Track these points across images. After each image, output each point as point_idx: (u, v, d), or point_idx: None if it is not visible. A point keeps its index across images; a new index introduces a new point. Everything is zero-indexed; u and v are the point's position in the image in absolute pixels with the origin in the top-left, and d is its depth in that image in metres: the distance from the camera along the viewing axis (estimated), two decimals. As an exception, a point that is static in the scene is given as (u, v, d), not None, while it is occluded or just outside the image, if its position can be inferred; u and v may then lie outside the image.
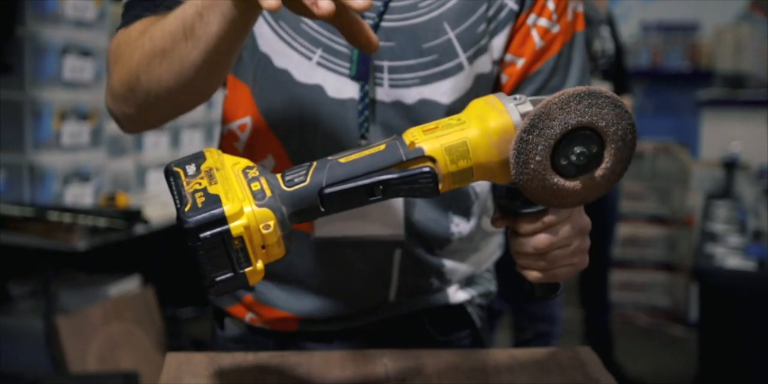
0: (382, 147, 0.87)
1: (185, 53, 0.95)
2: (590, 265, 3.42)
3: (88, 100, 3.16)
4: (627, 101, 3.72)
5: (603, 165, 0.88)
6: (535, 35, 1.17)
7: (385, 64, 1.13)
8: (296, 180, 0.86)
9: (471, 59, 1.14)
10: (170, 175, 0.88)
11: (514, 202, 0.94)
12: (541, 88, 1.19)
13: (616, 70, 3.61)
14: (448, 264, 1.23)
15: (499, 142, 0.86)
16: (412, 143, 0.87)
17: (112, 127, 3.26)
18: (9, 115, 2.98)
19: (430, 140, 0.87)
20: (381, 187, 0.86)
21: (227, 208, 0.80)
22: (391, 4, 1.13)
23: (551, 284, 1.01)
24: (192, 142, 3.77)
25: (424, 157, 0.86)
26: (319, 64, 1.14)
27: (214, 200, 0.81)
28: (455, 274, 1.25)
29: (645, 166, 4.80)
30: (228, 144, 1.22)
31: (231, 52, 0.97)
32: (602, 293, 3.81)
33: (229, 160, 0.89)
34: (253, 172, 0.87)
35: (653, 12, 5.36)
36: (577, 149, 0.86)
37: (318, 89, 1.14)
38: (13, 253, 2.94)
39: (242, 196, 0.82)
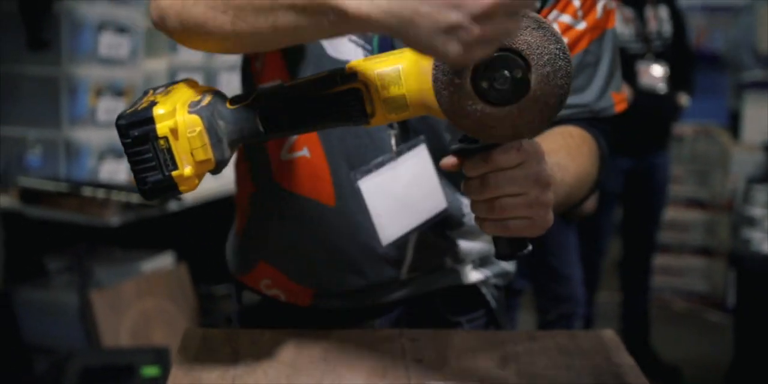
0: (324, 74, 0.91)
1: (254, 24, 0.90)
2: (634, 248, 3.41)
3: (124, 77, 3.17)
4: (683, 100, 3.64)
5: (531, 93, 0.83)
6: None
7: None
8: (240, 100, 0.92)
9: None
10: (143, 93, 0.96)
11: (461, 142, 0.92)
12: None
13: (677, 54, 3.53)
14: (463, 244, 1.23)
15: (428, 66, 0.85)
16: (350, 69, 0.89)
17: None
18: (45, 91, 3.00)
19: (366, 66, 0.89)
20: (312, 108, 0.90)
21: (157, 111, 0.88)
22: None
23: (514, 241, 0.95)
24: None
25: (357, 82, 0.88)
26: (350, 39, 1.14)
27: (152, 105, 0.90)
28: (470, 255, 1.25)
29: (685, 149, 4.75)
30: None
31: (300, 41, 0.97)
32: (644, 277, 3.78)
33: (198, 86, 0.95)
34: (208, 93, 0.93)
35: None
36: (498, 72, 0.82)
37: None
38: (49, 228, 2.98)
39: (180, 106, 0.89)
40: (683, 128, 4.66)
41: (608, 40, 1.19)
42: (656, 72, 3.39)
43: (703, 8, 5.31)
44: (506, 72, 0.82)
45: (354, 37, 1.13)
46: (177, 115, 0.88)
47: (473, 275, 1.26)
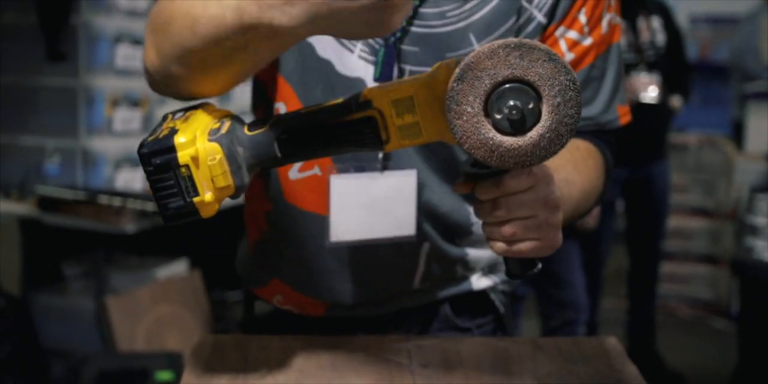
0: (340, 101, 0.92)
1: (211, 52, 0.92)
2: (640, 256, 3.37)
3: (140, 88, 3.21)
4: (676, 102, 3.66)
5: (542, 123, 0.84)
6: (563, 47, 1.16)
7: (407, 67, 1.14)
8: (258, 126, 0.93)
9: None
10: (162, 119, 0.97)
11: (473, 167, 0.93)
12: None
13: (670, 64, 3.54)
14: (472, 253, 1.24)
15: (442, 96, 0.86)
16: (365, 97, 0.91)
17: (162, 114, 3.32)
18: (63, 102, 3.06)
19: (380, 94, 0.90)
20: (329, 135, 0.91)
21: (178, 139, 0.88)
22: (420, 10, 1.13)
23: (525, 261, 0.97)
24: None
25: (372, 110, 0.90)
26: (360, 57, 1.15)
27: (173, 133, 0.89)
28: (479, 262, 1.26)
29: (689, 159, 4.75)
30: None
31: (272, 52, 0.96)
32: (650, 285, 3.78)
33: (216, 111, 0.96)
34: (226, 118, 0.94)
35: (702, 4, 5.29)
36: (510, 102, 0.83)
37: (359, 82, 1.15)
38: (66, 234, 3.02)
39: (199, 133, 0.90)
40: (688, 138, 4.67)
41: (614, 55, 1.20)
42: (648, 82, 3.40)
43: (707, 20, 5.33)
44: (518, 103, 0.84)
45: (364, 54, 1.15)
46: (197, 143, 0.89)
47: (482, 282, 1.27)
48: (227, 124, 0.92)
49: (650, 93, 3.38)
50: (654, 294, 3.83)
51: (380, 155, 1.16)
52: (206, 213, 0.91)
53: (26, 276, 3.09)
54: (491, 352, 1.17)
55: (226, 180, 0.90)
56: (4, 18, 3.12)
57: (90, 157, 3.07)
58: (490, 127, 0.85)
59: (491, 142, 0.85)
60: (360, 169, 1.17)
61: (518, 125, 0.84)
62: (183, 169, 0.89)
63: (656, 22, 3.51)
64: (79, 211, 2.88)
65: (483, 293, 1.28)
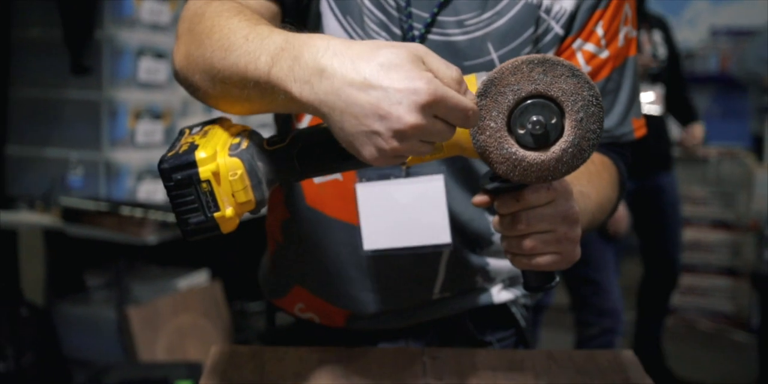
0: None
1: (235, 94, 0.94)
2: (656, 268, 3.31)
3: (162, 101, 3.24)
4: (698, 132, 3.66)
5: (564, 138, 0.85)
6: (580, 60, 1.17)
7: None
8: (277, 141, 0.93)
9: None
10: (179, 133, 0.97)
11: (493, 181, 0.93)
12: None
13: (672, 77, 3.57)
14: (493, 263, 1.25)
15: None
16: None
17: (184, 126, 3.34)
18: (87, 114, 3.08)
19: None
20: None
21: (199, 155, 0.88)
22: (438, 18, 1.13)
23: (543, 275, 0.97)
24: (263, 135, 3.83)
25: None
26: None
27: (193, 149, 0.89)
28: (500, 274, 1.26)
29: (709, 171, 4.74)
30: (286, 128, 1.25)
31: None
32: (664, 298, 3.75)
33: (233, 126, 0.96)
34: (245, 134, 0.94)
35: (723, 17, 5.28)
36: (533, 118, 0.84)
37: None
38: (89, 245, 3.04)
39: (220, 148, 0.90)
40: (708, 150, 4.65)
41: (629, 68, 1.21)
42: (652, 95, 3.42)
43: (728, 32, 5.31)
44: (541, 118, 0.84)
45: None
46: (218, 158, 0.89)
47: (503, 295, 1.27)
48: (247, 139, 0.92)
49: (654, 105, 3.39)
50: (666, 308, 3.80)
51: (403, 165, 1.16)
52: (227, 228, 0.91)
53: (50, 286, 3.11)
54: (506, 364, 1.17)
55: (247, 195, 0.90)
56: (30, 32, 3.16)
57: (113, 168, 3.09)
58: (513, 141, 0.85)
59: (514, 157, 0.85)
60: (384, 176, 1.17)
61: (541, 140, 0.85)
62: (204, 185, 0.88)
63: (657, 36, 3.54)
64: (102, 222, 2.90)
65: (504, 306, 1.28)
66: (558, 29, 1.16)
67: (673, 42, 3.64)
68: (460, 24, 1.14)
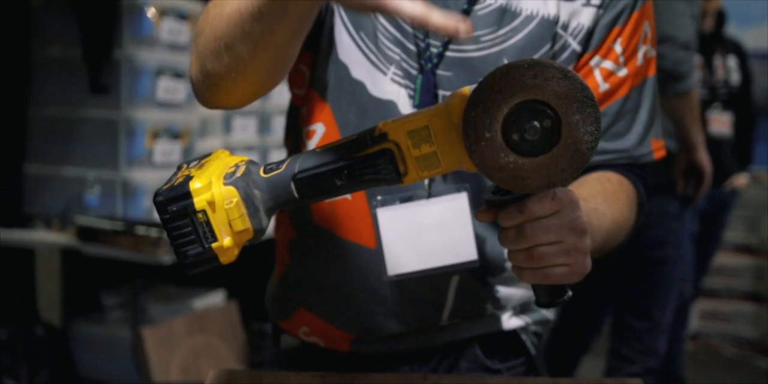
0: (354, 137, 0.91)
1: (243, 43, 0.94)
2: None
3: (181, 120, 3.25)
4: (743, 180, 3.59)
5: (562, 141, 0.83)
6: (598, 77, 1.16)
7: (441, 92, 1.14)
8: (274, 168, 0.92)
9: None
10: (177, 168, 0.97)
11: (495, 193, 0.92)
12: (604, 132, 1.17)
13: (742, 103, 3.51)
14: (503, 290, 1.23)
15: (458, 123, 0.85)
16: (380, 130, 0.89)
17: (202, 146, 3.36)
18: (105, 133, 3.09)
19: (395, 126, 0.88)
20: (345, 172, 0.89)
21: (192, 185, 0.88)
22: None
23: (554, 289, 0.95)
24: (281, 155, 3.84)
25: (388, 142, 0.88)
26: (392, 80, 1.15)
27: (188, 180, 0.89)
28: (510, 301, 1.24)
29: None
30: (296, 149, 1.25)
31: (294, 43, 0.96)
32: (682, 323, 3.63)
33: (230, 157, 0.96)
34: (242, 163, 0.93)
35: (750, 40, 5.23)
36: (528, 123, 0.82)
37: (391, 105, 1.15)
38: (105, 264, 3.04)
39: (215, 178, 0.89)
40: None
41: (649, 88, 1.20)
42: (722, 120, 3.39)
43: (754, 56, 5.27)
44: (536, 123, 0.82)
45: (396, 77, 1.15)
46: (213, 188, 0.88)
47: (513, 321, 1.25)
48: (242, 167, 0.92)
49: (725, 131, 3.36)
50: (684, 333, 3.72)
51: (425, 182, 1.15)
52: (226, 259, 0.90)
53: (66, 305, 3.12)
54: (511, 392, 1.15)
55: (244, 223, 0.89)
56: (49, 51, 3.17)
57: (130, 188, 3.10)
58: (508, 150, 0.83)
59: (512, 165, 0.84)
60: (405, 199, 1.16)
61: (538, 145, 0.83)
62: (200, 215, 0.88)
63: (732, 61, 3.50)
64: (118, 242, 2.90)
65: (514, 334, 1.26)
66: (575, 45, 1.15)
67: (747, 69, 3.58)
68: (476, 40, 1.14)
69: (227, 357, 3.27)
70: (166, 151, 3.20)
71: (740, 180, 3.57)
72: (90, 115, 3.12)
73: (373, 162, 0.89)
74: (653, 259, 2.91)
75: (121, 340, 3.02)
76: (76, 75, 3.08)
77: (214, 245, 0.88)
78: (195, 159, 0.97)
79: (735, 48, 3.58)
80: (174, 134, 3.22)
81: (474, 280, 1.21)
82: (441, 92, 1.15)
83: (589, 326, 3.17)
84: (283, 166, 0.92)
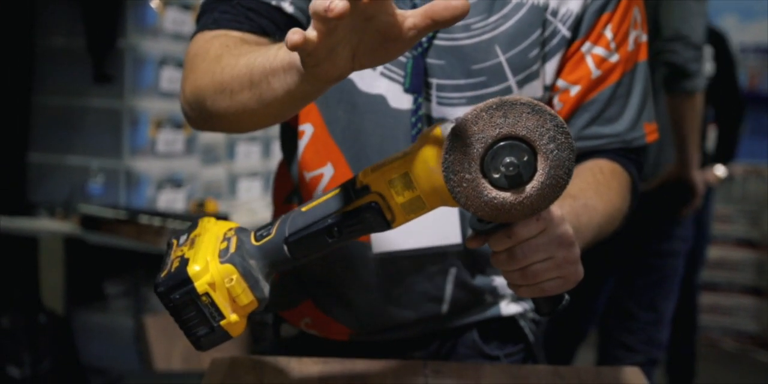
0: (337, 191, 0.92)
1: (247, 100, 0.96)
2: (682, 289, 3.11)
3: (184, 110, 3.25)
4: (720, 172, 3.51)
5: (540, 171, 0.85)
6: (590, 63, 1.17)
7: (434, 81, 1.15)
8: (264, 234, 0.93)
9: (521, 83, 1.16)
10: (167, 246, 0.97)
11: (480, 221, 0.93)
12: (597, 117, 1.18)
13: (722, 96, 3.44)
14: (500, 280, 1.24)
15: (437, 167, 0.86)
16: (361, 182, 0.90)
17: (205, 136, 3.37)
18: (108, 123, 3.11)
19: (376, 177, 0.90)
20: (336, 229, 0.91)
21: (191, 270, 0.88)
22: None
23: (552, 298, 0.97)
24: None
25: (371, 194, 0.90)
26: (382, 74, 1.16)
27: (184, 264, 0.89)
28: (508, 290, 1.24)
29: (735, 189, 4.71)
30: (289, 151, 1.26)
31: (294, 110, 0.99)
32: (688, 318, 3.68)
33: (217, 226, 0.97)
34: (230, 233, 0.94)
35: (751, 34, 5.24)
36: (506, 160, 0.84)
37: (380, 99, 1.16)
38: (108, 253, 3.05)
39: (210, 257, 0.90)
40: (733, 168, 4.62)
41: (640, 72, 1.21)
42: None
43: (756, 50, 5.27)
44: (513, 159, 0.84)
45: (386, 71, 1.16)
46: (211, 268, 0.89)
47: (512, 307, 1.26)
48: (234, 240, 0.92)
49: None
50: (694, 327, 3.74)
51: None
52: (236, 332, 0.90)
53: (69, 294, 3.12)
54: (511, 380, 1.16)
55: (248, 297, 0.90)
56: (53, 41, 3.18)
57: (133, 177, 3.11)
58: (491, 187, 0.85)
59: (495, 202, 0.85)
60: None
61: (517, 179, 0.85)
62: (204, 298, 0.88)
63: (706, 52, 3.45)
64: (120, 231, 2.91)
65: (512, 320, 1.27)
66: (565, 32, 1.16)
67: (729, 59, 3.49)
68: (466, 28, 1.15)
69: (229, 346, 3.23)
70: (170, 140, 3.21)
71: (713, 173, 3.47)
72: (93, 104, 3.13)
73: (362, 216, 0.90)
74: (660, 251, 2.92)
75: (123, 329, 3.03)
76: (79, 64, 3.09)
77: (222, 323, 0.89)
78: (183, 232, 0.98)
79: (713, 37, 3.47)
80: (177, 124, 3.22)
81: (470, 273, 1.22)
82: (435, 81, 1.15)
83: (586, 314, 3.17)
84: (273, 231, 0.93)
